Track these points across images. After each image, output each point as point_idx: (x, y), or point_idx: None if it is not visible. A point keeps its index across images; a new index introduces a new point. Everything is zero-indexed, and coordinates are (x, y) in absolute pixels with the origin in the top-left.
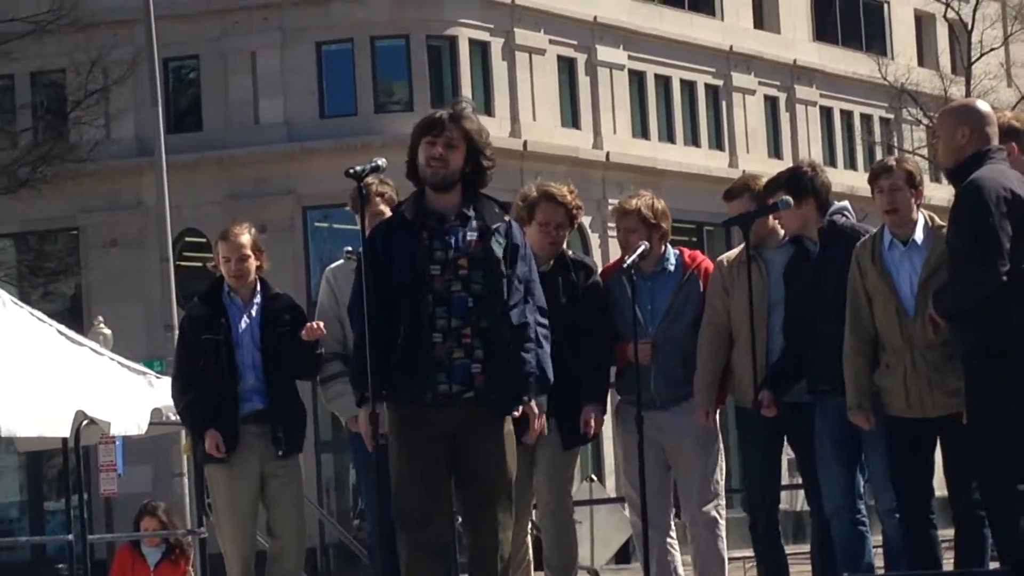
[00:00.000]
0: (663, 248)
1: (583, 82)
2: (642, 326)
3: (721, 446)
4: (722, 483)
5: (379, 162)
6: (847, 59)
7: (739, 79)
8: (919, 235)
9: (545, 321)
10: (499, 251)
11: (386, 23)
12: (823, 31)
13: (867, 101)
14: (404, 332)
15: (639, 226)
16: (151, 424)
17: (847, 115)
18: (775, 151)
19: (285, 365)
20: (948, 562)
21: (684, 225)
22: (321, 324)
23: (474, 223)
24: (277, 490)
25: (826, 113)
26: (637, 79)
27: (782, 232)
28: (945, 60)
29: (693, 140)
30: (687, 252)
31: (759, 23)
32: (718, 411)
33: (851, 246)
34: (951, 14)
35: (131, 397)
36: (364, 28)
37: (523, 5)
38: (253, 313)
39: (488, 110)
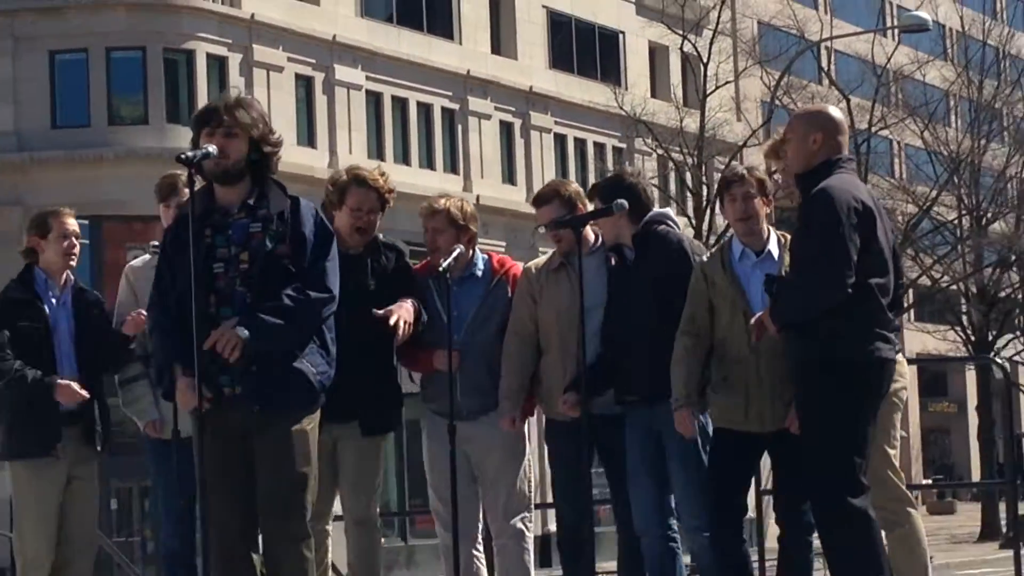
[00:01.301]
0: (471, 252)
1: (320, 101)
2: (447, 333)
3: (529, 458)
4: (531, 495)
5: (210, 148)
6: (582, 87)
7: (475, 103)
8: (773, 247)
9: (305, 298)
10: (271, 244)
11: (122, 34)
12: (559, 59)
13: (601, 130)
14: (187, 336)
15: (447, 227)
16: None
17: (581, 143)
18: (509, 177)
19: (97, 359)
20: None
21: (418, 248)
22: (142, 314)
23: (259, 213)
24: (78, 492)
25: (560, 140)
26: (374, 99)
27: (593, 238)
28: (678, 92)
29: (428, 163)
30: (495, 257)
31: (496, 49)
32: (526, 421)
33: (663, 251)
34: (687, 46)
35: None
36: (99, 39)
37: (262, 21)
38: (67, 303)
39: None
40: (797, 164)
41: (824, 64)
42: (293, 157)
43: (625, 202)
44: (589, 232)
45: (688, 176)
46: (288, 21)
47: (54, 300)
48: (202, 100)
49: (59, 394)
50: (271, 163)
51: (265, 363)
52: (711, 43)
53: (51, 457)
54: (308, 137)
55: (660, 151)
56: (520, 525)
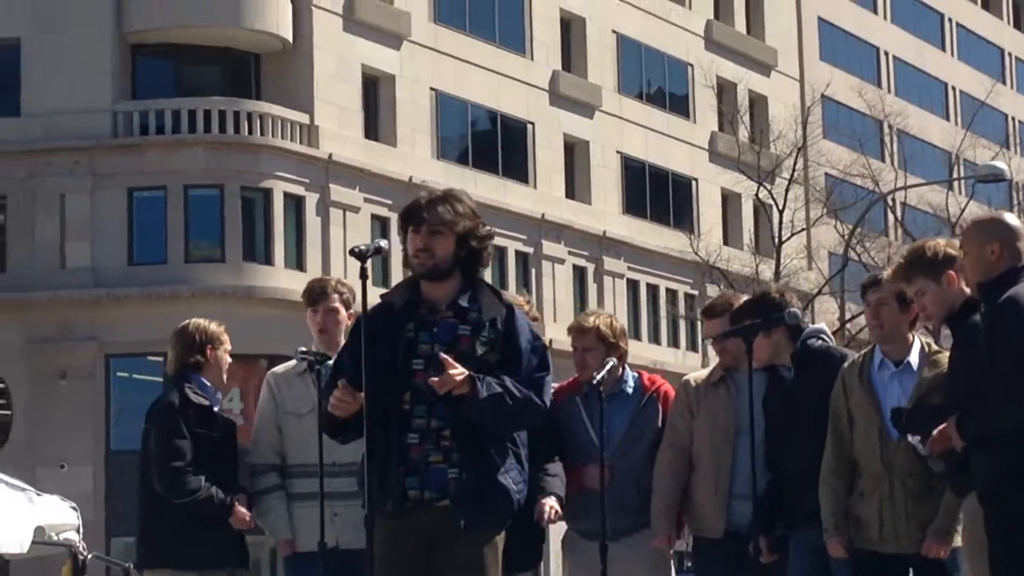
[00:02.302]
0: (621, 370)
1: (395, 241)
2: (597, 450)
3: None
4: None
5: (382, 243)
6: (655, 233)
7: (549, 247)
8: (914, 358)
9: (526, 394)
10: (481, 350)
11: (200, 172)
12: (632, 205)
13: (674, 276)
14: (377, 432)
15: (597, 344)
16: (34, 543)
17: (653, 288)
18: None
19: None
20: None
21: None
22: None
23: (470, 315)
24: None
25: (633, 285)
26: None
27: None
28: (748, 239)
29: None
30: (646, 375)
31: (571, 193)
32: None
33: (826, 370)
34: (762, 194)
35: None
36: (178, 176)
37: (339, 161)
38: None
39: (300, 264)
40: (976, 275)
41: (897, 215)
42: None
43: (798, 311)
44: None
45: None
46: (365, 162)
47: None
48: (278, 239)
49: (235, 519)
50: (481, 258)
51: (471, 472)
52: (787, 191)
53: (220, 571)
54: (383, 277)
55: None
56: None
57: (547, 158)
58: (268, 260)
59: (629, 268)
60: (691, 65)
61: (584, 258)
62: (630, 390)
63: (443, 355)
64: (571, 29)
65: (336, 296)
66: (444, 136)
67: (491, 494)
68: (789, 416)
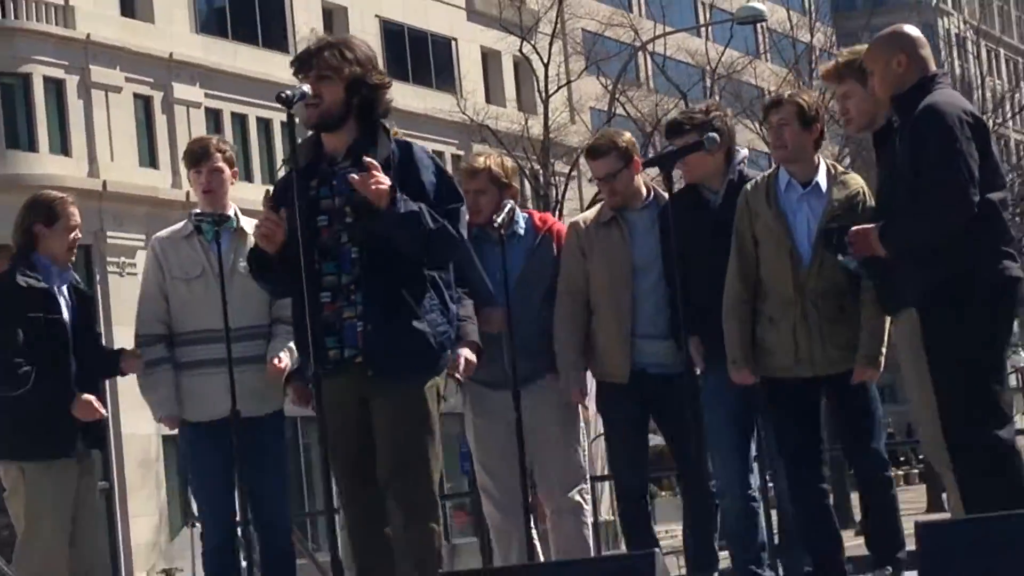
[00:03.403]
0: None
1: (160, 120)
2: (492, 294)
3: (583, 425)
4: (586, 466)
5: (305, 88)
6: (418, 96)
7: None
8: (822, 179)
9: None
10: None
11: None
12: (394, 68)
13: (440, 138)
14: (295, 295)
15: (490, 186)
16: None
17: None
18: None
19: (93, 363)
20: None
21: None
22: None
23: (365, 160)
24: (87, 496)
25: None
26: (213, 116)
27: (645, 192)
28: (512, 96)
29: (270, 178)
30: (537, 215)
31: None
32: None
33: None
34: (527, 49)
35: None
36: None
37: (98, 42)
38: (68, 299)
39: (65, 150)
40: (886, 90)
41: (657, 66)
42: (136, 179)
43: (717, 136)
44: (641, 184)
45: (532, 180)
46: (124, 40)
47: (59, 294)
48: (41, 124)
49: (78, 409)
50: (377, 105)
51: (378, 323)
52: (550, 44)
53: (69, 459)
54: (150, 157)
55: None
56: (578, 498)
57: (306, 25)
58: (32, 147)
59: (404, 134)
60: None
61: None
62: (522, 231)
63: (367, 158)
64: None
65: (219, 155)
66: (202, 9)
67: (405, 342)
68: (708, 241)
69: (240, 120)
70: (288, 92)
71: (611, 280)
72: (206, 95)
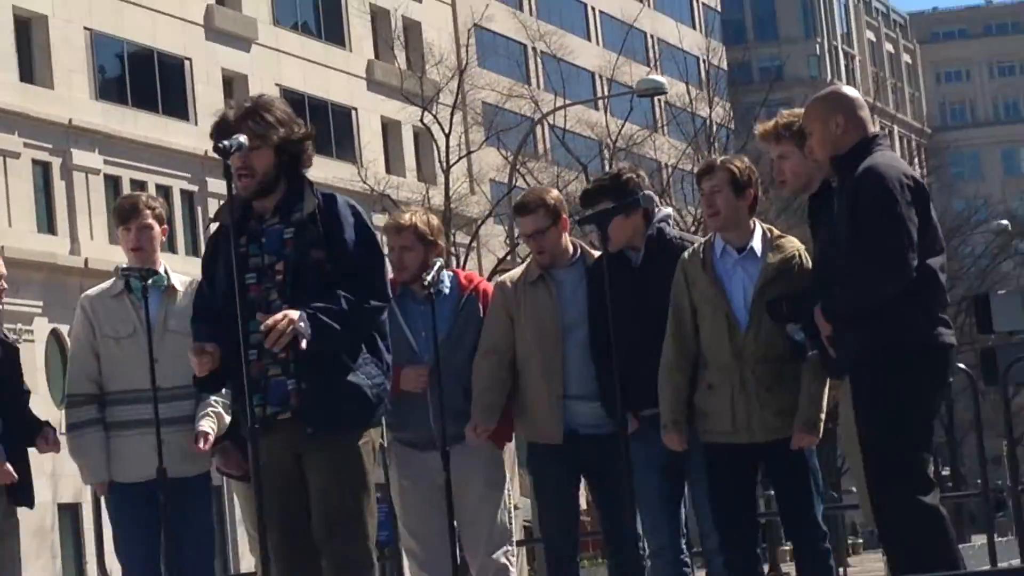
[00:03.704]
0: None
1: (59, 186)
2: (417, 354)
3: (510, 487)
4: (512, 527)
5: (241, 139)
6: (319, 164)
7: (214, 184)
8: (756, 244)
9: (361, 305)
10: (315, 253)
11: None
12: None
13: None
14: (226, 352)
15: (416, 243)
16: None
17: None
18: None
19: (15, 418)
20: None
21: None
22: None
23: (294, 217)
24: (6, 551)
25: None
26: (112, 183)
27: (572, 249)
28: (411, 166)
29: (170, 246)
30: (462, 274)
31: None
32: (504, 447)
33: (676, 258)
34: (428, 118)
35: None
36: None
37: None
38: None
39: None
40: (824, 151)
41: (557, 138)
42: (33, 244)
43: (652, 194)
44: (568, 242)
45: None
46: (22, 106)
47: None
48: None
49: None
50: (303, 159)
51: (314, 380)
52: (451, 115)
53: None
54: (48, 223)
55: None
56: (504, 560)
57: (206, 94)
58: None
59: None
60: None
61: None
62: (447, 290)
63: (260, 315)
64: None
65: (148, 212)
66: (101, 76)
67: (340, 396)
68: (634, 300)
69: (139, 187)
70: (226, 143)
71: (540, 340)
72: (105, 161)
